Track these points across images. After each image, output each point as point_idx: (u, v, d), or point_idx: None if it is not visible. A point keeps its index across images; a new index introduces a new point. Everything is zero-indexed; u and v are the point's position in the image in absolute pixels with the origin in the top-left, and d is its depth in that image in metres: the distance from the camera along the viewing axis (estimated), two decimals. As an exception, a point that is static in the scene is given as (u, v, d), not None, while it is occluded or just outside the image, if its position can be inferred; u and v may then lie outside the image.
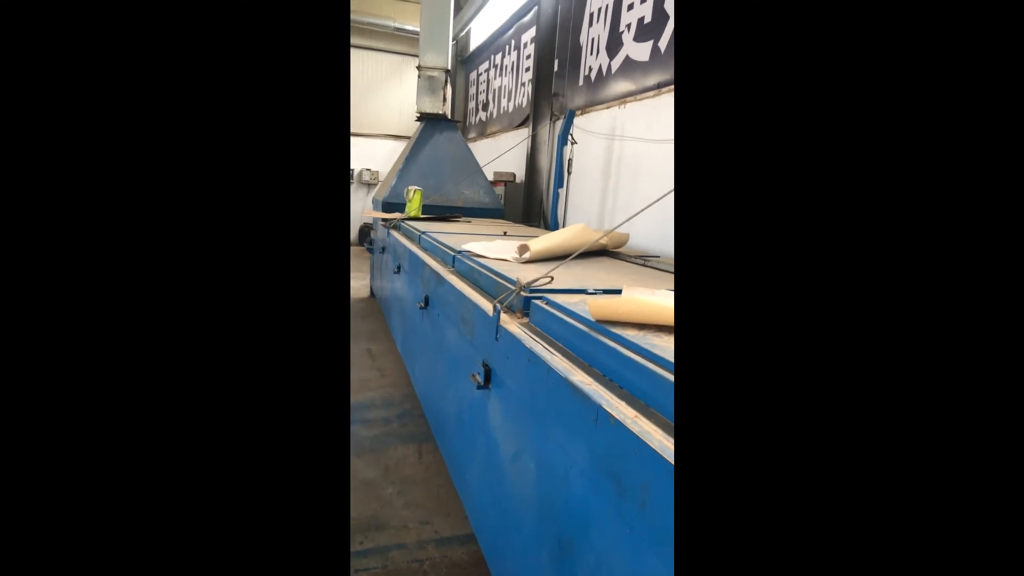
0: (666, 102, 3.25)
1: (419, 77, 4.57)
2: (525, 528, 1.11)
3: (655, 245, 3.08)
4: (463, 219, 3.71)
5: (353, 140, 8.09)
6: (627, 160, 3.64)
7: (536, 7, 5.00)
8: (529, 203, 5.04)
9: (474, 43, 7.76)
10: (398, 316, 3.05)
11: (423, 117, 4.58)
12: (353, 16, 7.36)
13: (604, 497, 0.79)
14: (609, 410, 0.77)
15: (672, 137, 3.05)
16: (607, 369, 0.90)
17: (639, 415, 0.75)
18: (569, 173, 4.08)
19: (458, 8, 6.70)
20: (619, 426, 0.74)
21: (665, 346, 0.83)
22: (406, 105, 8.22)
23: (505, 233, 2.78)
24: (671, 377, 0.74)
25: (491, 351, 1.29)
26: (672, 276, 1.69)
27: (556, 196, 3.92)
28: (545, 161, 4.77)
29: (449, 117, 4.68)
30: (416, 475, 2.05)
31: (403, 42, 8.10)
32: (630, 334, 0.89)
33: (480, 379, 1.31)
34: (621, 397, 0.82)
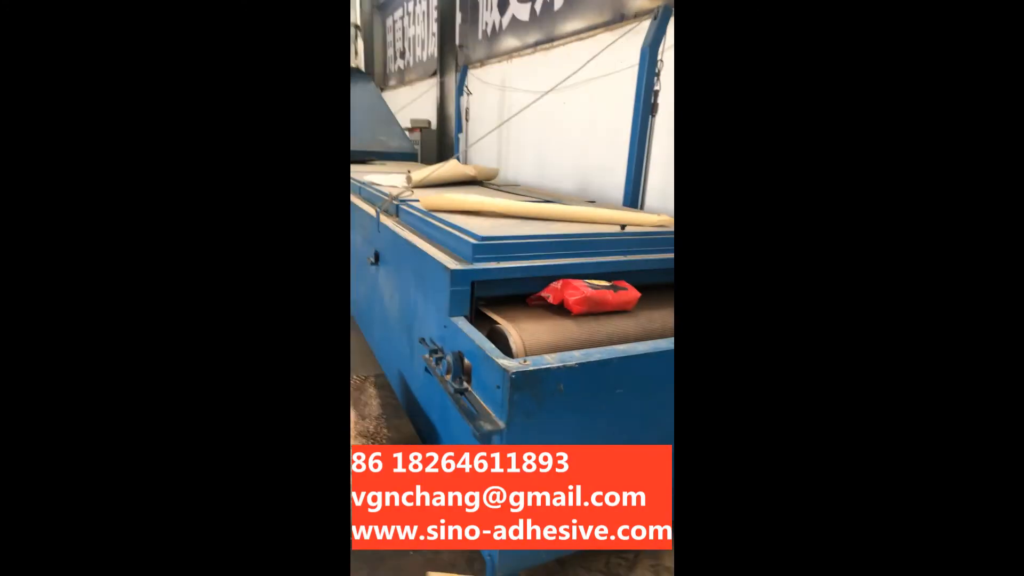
0: (541, 59, 3.91)
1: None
2: (396, 335, 1.89)
3: (533, 180, 3.83)
4: (377, 162, 4.29)
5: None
6: (514, 109, 4.31)
7: (438, -41, 5.35)
8: (442, 148, 5.61)
9: (388, -12, 7.89)
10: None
11: (337, 69, 4.96)
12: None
13: (420, 291, 1.56)
14: (425, 251, 1.53)
15: (544, 90, 3.74)
16: (428, 235, 1.66)
17: (436, 250, 1.52)
18: (467, 120, 4.70)
19: (367, -45, 6.82)
20: (426, 255, 1.50)
21: (451, 219, 1.59)
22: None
23: (408, 171, 3.43)
24: (453, 231, 1.49)
25: (376, 241, 2.02)
26: (514, 197, 2.44)
27: (457, 140, 4.56)
28: (452, 109, 5.33)
29: (362, 69, 5.09)
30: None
31: None
32: (442, 215, 1.64)
33: (372, 259, 2.04)
34: (432, 245, 1.58)
